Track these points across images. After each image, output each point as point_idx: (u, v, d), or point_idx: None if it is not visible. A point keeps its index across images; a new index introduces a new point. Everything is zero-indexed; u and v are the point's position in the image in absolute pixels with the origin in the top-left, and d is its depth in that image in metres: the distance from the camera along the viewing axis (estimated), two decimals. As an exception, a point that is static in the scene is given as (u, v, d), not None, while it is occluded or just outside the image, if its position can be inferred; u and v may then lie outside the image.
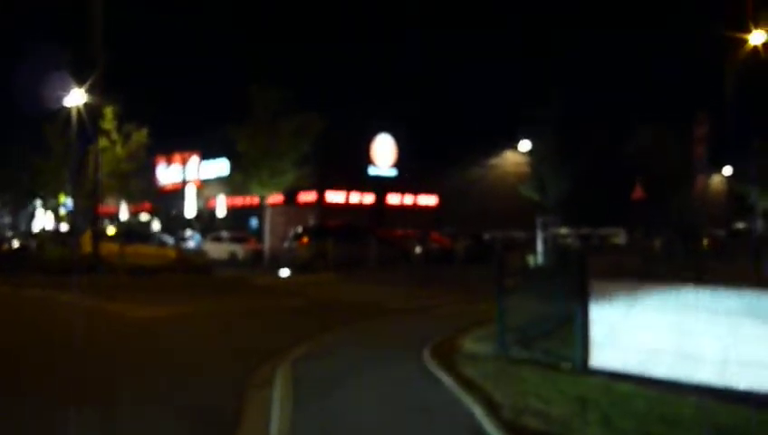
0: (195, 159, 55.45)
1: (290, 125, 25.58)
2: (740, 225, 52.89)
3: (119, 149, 34.93)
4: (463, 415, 6.42)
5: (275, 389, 7.46)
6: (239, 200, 47.47)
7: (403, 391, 7.45)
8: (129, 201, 48.57)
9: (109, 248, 24.63)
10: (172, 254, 25.00)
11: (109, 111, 34.71)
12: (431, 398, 7.11)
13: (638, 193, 33.40)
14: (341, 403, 6.90)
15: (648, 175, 33.87)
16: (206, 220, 54.37)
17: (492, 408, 6.57)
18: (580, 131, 31.86)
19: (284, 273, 24.99)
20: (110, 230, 28.08)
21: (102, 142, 34.78)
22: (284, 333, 11.73)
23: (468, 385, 7.44)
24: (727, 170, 64.37)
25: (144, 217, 61.93)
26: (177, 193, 58.44)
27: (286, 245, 29.49)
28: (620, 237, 44.17)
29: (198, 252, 28.10)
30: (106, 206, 65.95)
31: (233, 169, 30.26)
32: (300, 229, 29.96)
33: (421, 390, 7.46)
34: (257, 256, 33.65)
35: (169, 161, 59.99)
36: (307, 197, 45.49)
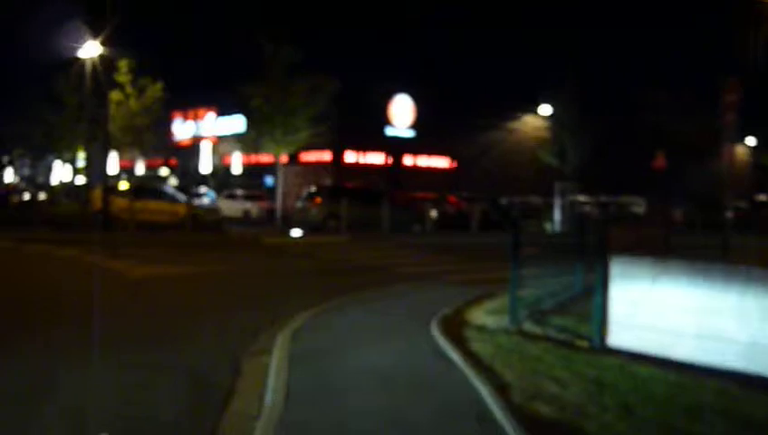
0: (211, 115, 54.96)
1: (304, 83, 25.00)
2: (762, 197, 51.85)
3: (133, 102, 34.46)
4: (469, 398, 5.97)
5: (271, 360, 7.05)
6: (255, 158, 46.99)
7: (406, 367, 7.01)
8: (145, 156, 48.36)
9: (119, 204, 24.30)
10: (182, 210, 24.64)
11: (123, 64, 34.17)
12: (436, 376, 6.67)
13: (659, 162, 32.62)
14: (336, 381, 6.46)
15: (670, 144, 33.04)
16: (221, 177, 54.14)
17: (501, 389, 6.12)
18: (601, 98, 31.12)
19: (296, 233, 24.61)
20: (123, 185, 27.72)
21: (116, 96, 34.37)
22: (288, 298, 11.33)
23: (478, 363, 6.99)
24: (750, 141, 63.04)
25: (164, 171, 61.79)
26: (193, 149, 58.26)
27: (299, 204, 29.07)
28: (640, 207, 43.41)
29: (211, 209, 27.75)
30: (123, 161, 66.10)
31: (248, 126, 29.77)
32: (313, 189, 29.50)
33: (426, 367, 7.02)
34: (271, 214, 33.33)
35: (186, 117, 59.53)
36: (322, 156, 45.00)
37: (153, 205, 24.56)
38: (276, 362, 6.96)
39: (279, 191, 27.67)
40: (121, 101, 34.44)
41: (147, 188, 27.34)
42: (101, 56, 33.94)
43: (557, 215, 31.68)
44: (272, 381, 6.32)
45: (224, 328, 9.01)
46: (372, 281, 13.73)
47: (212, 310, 10.36)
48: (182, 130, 60.42)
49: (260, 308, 10.47)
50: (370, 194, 29.25)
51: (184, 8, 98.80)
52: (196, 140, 57.02)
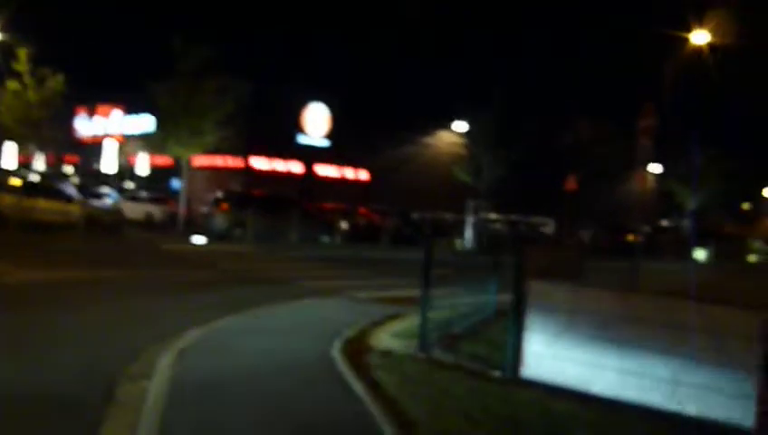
0: (118, 112, 52.84)
1: (213, 83, 23.89)
2: (664, 222, 53.40)
3: (31, 93, 32.58)
4: (371, 438, 5.25)
5: (150, 386, 6.15)
6: (162, 160, 45.22)
7: (301, 400, 6.24)
8: (44, 151, 45.96)
9: (6, 201, 22.62)
10: (77, 210, 23.08)
11: (22, 53, 32.25)
12: (335, 412, 5.92)
13: (570, 184, 32.94)
14: (221, 416, 5.62)
15: (583, 167, 33.50)
16: (126, 177, 51.98)
17: (407, 429, 5.43)
18: (519, 119, 31.18)
19: (199, 240, 23.39)
20: (15, 181, 25.85)
21: (13, 85, 32.44)
22: (179, 312, 10.36)
23: (382, 396, 6.28)
24: (655, 168, 64.98)
25: (68, 169, 58.99)
26: (98, 147, 55.82)
27: (205, 210, 27.84)
28: (548, 227, 43.88)
29: (110, 210, 26.17)
30: (22, 155, 62.76)
31: (157, 126, 28.41)
32: (220, 195, 28.30)
33: (324, 399, 6.27)
34: (175, 219, 31.99)
35: (91, 113, 57.09)
36: (232, 161, 43.71)
37: (44, 203, 22.90)
38: (155, 390, 6.08)
39: (183, 195, 26.40)
40: (18, 91, 32.54)
41: (40, 185, 25.53)
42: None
43: (468, 232, 31.51)
44: (147, 412, 5.44)
45: (102, 344, 8.01)
46: (274, 295, 12.88)
47: (92, 322, 9.30)
48: (86, 126, 57.96)
49: (146, 322, 9.47)
50: (280, 202, 28.26)
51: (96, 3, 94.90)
52: (101, 138, 54.65)
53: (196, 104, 24.00)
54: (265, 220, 25.63)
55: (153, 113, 27.61)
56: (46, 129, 33.20)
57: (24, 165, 64.16)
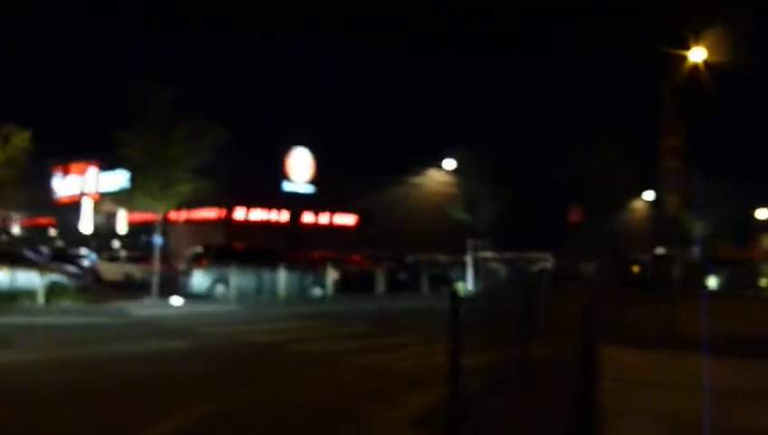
0: (93, 170, 50.73)
1: (184, 128, 21.82)
2: (659, 250, 51.61)
3: (-7, 153, 30.48)
4: None
5: None
6: (141, 216, 43.06)
7: None
8: (17, 213, 43.94)
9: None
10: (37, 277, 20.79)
11: (-17, 110, 30.23)
12: None
13: (574, 216, 31.10)
14: None
15: (586, 197, 31.71)
16: (104, 237, 49.76)
17: None
18: (514, 152, 29.51)
19: (176, 301, 21.11)
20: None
21: (-25, 144, 30.38)
22: (129, 404, 8.15)
23: None
24: (649, 195, 63.47)
25: (52, 232, 56.74)
26: (75, 207, 53.75)
27: (182, 268, 25.61)
28: (548, 262, 41.91)
29: (78, 274, 23.86)
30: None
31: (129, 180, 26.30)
32: (199, 249, 26.10)
33: None
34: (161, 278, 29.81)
35: (66, 172, 55.04)
36: (212, 213, 41.61)
37: (3, 272, 20.68)
38: None
39: (157, 252, 24.18)
40: (-20, 151, 30.46)
41: (2, 251, 23.40)
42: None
43: (469, 274, 29.49)
44: None
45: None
46: (261, 369, 10.74)
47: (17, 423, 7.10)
48: (63, 186, 55.87)
49: (82, 419, 7.28)
50: (264, 255, 25.99)
51: (63, 52, 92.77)
52: (78, 198, 52.54)
53: (168, 153, 21.92)
54: (249, 275, 23.43)
55: (126, 168, 25.48)
56: (12, 189, 30.95)
57: (3, 229, 62.17)
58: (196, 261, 25.03)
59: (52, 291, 20.33)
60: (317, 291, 25.87)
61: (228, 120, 24.66)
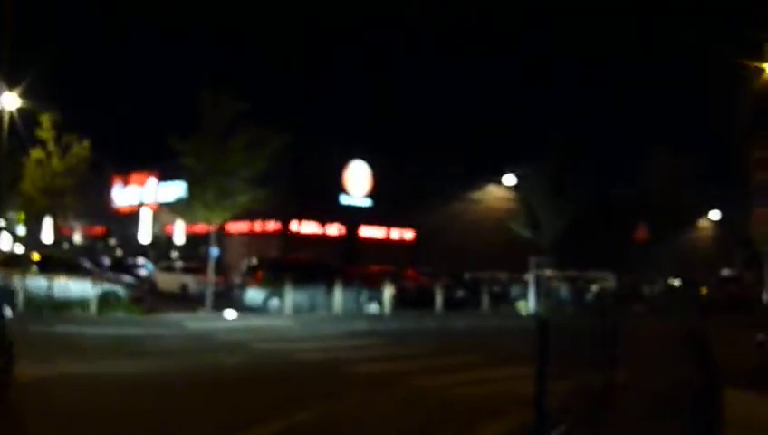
0: (152, 180, 51.09)
1: (242, 138, 21.34)
2: (725, 272, 49.60)
3: (55, 162, 30.58)
4: None
5: None
6: (198, 227, 43.00)
7: None
8: (77, 222, 44.31)
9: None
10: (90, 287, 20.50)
11: (45, 119, 30.38)
12: None
13: (641, 233, 29.75)
14: None
15: (652, 215, 30.32)
16: (162, 247, 49.94)
17: None
18: (578, 166, 28.34)
19: (230, 315, 20.62)
20: (35, 256, 23.57)
21: (36, 154, 30.52)
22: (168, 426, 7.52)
23: None
24: (715, 214, 61.32)
25: (113, 241, 57.40)
26: (134, 216, 54.18)
27: (238, 280, 25.15)
28: (609, 282, 40.34)
29: (132, 284, 23.54)
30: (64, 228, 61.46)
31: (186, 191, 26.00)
32: (255, 262, 25.60)
33: None
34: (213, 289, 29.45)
35: (126, 182, 55.60)
36: (268, 226, 41.30)
37: (60, 280, 20.43)
38: None
39: (211, 264, 23.75)
40: (42, 160, 30.60)
41: (58, 259, 23.21)
42: (21, 109, 30.30)
43: (531, 292, 28.36)
44: None
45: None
46: (314, 390, 10.01)
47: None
48: (122, 195, 56.45)
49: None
50: (320, 269, 25.38)
51: (127, 64, 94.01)
52: (137, 208, 52.95)
53: (226, 162, 21.48)
54: (304, 290, 22.79)
55: (185, 178, 25.13)
56: (72, 198, 30.99)
57: (66, 238, 63.08)
58: (252, 274, 24.54)
59: (106, 301, 20.02)
60: (373, 307, 25.11)
61: (289, 132, 24.21)
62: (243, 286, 24.02)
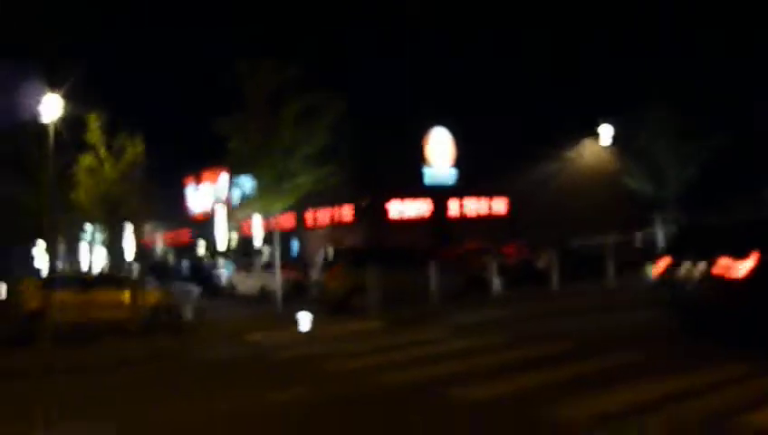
0: (224, 175, 47.89)
1: (292, 108, 17.63)
2: None
3: (107, 168, 27.69)
4: None
5: None
6: (279, 222, 39.79)
7: None
8: (139, 232, 42.07)
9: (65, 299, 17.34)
10: (124, 301, 17.26)
11: (93, 120, 27.50)
12: None
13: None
14: None
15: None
16: (240, 246, 47.29)
17: None
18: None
19: (304, 319, 16.89)
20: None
21: (87, 160, 27.65)
22: None
23: None
24: None
25: (202, 244, 55.26)
26: (211, 216, 51.84)
27: (314, 276, 21.65)
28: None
29: (187, 297, 19.93)
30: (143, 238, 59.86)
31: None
32: (331, 253, 22.01)
33: None
34: (298, 288, 26.17)
35: (198, 181, 53.20)
36: (344, 212, 37.92)
37: (102, 296, 17.37)
38: None
39: (277, 262, 20.32)
40: (94, 166, 27.79)
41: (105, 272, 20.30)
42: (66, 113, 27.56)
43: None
44: None
45: None
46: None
47: None
48: (197, 196, 54.16)
49: None
50: (409, 255, 21.54)
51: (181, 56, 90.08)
52: (212, 207, 50.43)
53: (277, 139, 17.87)
54: (393, 281, 18.91)
55: (229, 163, 21.70)
56: (126, 205, 28.06)
57: (148, 248, 61.51)
58: (330, 268, 20.95)
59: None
60: (475, 293, 21.16)
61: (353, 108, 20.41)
62: (318, 283, 20.49)
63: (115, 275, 20.08)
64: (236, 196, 42.39)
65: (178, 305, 17.92)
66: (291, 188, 18.65)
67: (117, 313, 16.80)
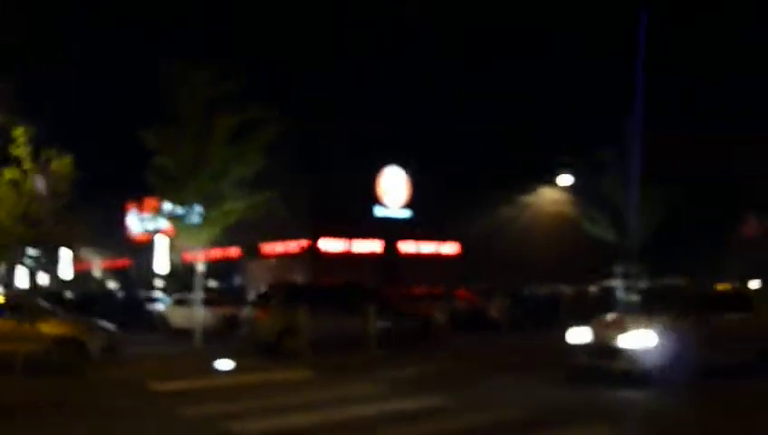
0: (167, 202, 45.89)
1: (227, 121, 15.81)
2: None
3: (29, 183, 25.45)
4: None
5: None
6: (218, 252, 38.03)
7: None
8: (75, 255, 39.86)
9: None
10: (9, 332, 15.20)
11: (19, 133, 25.29)
12: None
13: (750, 227, 23.87)
14: None
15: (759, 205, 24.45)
16: (180, 277, 45.06)
17: None
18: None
19: (223, 365, 14.91)
20: (-1, 298, 18.51)
21: (9, 173, 25.41)
22: None
23: None
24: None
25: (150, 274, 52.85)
26: (151, 245, 49.73)
27: (244, 313, 19.75)
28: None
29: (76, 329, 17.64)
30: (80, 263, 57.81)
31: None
32: (265, 290, 20.14)
33: None
34: (231, 323, 24.21)
35: (140, 207, 51.02)
36: (291, 246, 36.16)
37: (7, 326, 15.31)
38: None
39: (199, 296, 18.41)
40: (17, 180, 25.59)
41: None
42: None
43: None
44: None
45: None
46: None
47: None
48: (137, 223, 51.95)
49: None
50: (351, 294, 19.75)
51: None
52: (152, 234, 48.24)
53: (208, 158, 16.01)
54: (329, 322, 17.10)
55: (152, 182, 19.59)
56: (49, 224, 25.84)
57: (83, 272, 58.82)
58: (262, 305, 19.05)
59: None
60: (422, 339, 19.43)
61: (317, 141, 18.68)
62: (248, 322, 18.56)
63: (10, 301, 17.68)
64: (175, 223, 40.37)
65: (84, 342, 15.78)
66: (217, 215, 16.77)
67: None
